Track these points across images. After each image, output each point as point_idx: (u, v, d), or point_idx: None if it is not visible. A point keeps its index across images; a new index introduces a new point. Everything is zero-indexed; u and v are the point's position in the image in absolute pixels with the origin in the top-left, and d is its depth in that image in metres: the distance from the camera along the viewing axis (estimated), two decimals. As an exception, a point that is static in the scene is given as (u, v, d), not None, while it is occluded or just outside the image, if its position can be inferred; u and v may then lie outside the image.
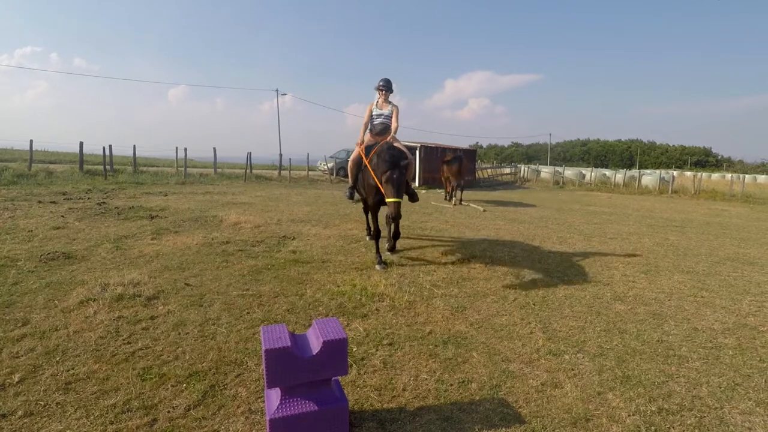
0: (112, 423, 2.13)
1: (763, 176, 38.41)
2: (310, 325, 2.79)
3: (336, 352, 2.04)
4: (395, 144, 5.36)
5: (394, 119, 5.59)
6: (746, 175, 31.56)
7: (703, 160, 72.63)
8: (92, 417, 2.17)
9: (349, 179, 5.84)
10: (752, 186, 23.80)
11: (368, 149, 5.36)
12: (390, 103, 5.64)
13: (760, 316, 3.97)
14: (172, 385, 2.48)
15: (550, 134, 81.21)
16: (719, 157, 74.67)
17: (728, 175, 31.37)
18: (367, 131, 5.73)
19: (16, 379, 2.46)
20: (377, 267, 5.04)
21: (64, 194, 10.73)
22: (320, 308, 3.75)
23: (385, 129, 5.59)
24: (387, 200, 4.66)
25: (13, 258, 4.82)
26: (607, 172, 27.85)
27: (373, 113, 5.67)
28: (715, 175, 36.24)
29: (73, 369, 2.61)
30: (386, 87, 5.62)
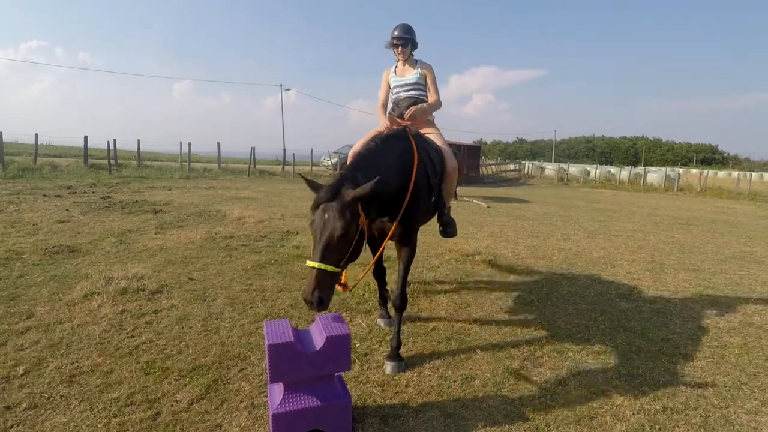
0: (115, 416, 2.14)
1: (769, 174, 38.08)
2: (313, 321, 2.78)
3: (339, 347, 2.03)
4: (425, 132, 3.37)
5: (431, 91, 3.52)
6: (753, 173, 31.26)
7: (709, 157, 72.12)
8: (96, 410, 2.18)
9: None
10: (759, 184, 23.61)
11: None
12: (417, 62, 3.56)
13: (766, 315, 3.93)
14: (175, 379, 2.48)
15: (555, 131, 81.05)
16: (725, 155, 74.14)
17: (734, 173, 31.15)
18: (388, 113, 3.61)
19: (21, 372, 2.47)
20: (388, 368, 2.73)
21: (68, 188, 10.78)
22: (323, 303, 3.74)
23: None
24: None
25: (18, 251, 4.85)
26: (612, 169, 27.70)
27: (392, 85, 3.61)
28: (722, 173, 35.99)
29: (77, 362, 2.61)
30: (405, 39, 3.44)
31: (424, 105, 3.43)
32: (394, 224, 2.74)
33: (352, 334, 3.15)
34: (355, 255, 2.29)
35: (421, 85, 3.53)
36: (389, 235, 2.83)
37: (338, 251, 2.18)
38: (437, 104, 3.54)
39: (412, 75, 3.51)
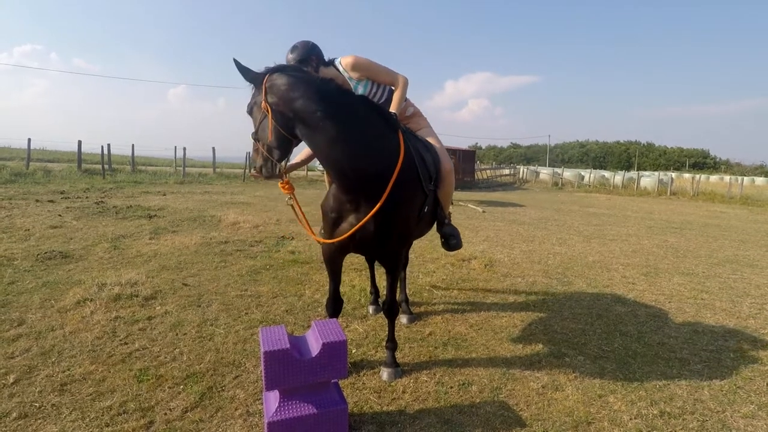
0: (107, 425, 2.10)
1: (761, 178, 38.54)
2: (309, 327, 2.76)
3: (335, 354, 2.01)
4: (417, 129, 3.00)
5: (381, 77, 2.79)
6: (744, 177, 31.62)
7: (701, 162, 72.98)
8: (88, 419, 2.14)
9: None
10: (750, 188, 23.86)
11: None
12: (343, 71, 2.75)
13: (761, 319, 3.95)
14: (169, 387, 2.45)
15: (549, 135, 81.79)
16: (717, 159, 75.03)
17: (726, 177, 31.46)
18: None
19: (11, 380, 2.43)
20: (384, 375, 2.67)
21: (61, 193, 10.68)
22: (319, 309, 3.72)
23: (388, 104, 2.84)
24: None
25: (10, 257, 4.78)
26: (606, 174, 27.91)
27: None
28: (714, 177, 36.32)
29: (68, 370, 2.57)
30: (303, 58, 2.66)
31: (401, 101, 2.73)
32: (366, 219, 2.30)
33: (348, 340, 3.13)
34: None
35: (374, 93, 2.81)
36: (353, 230, 2.34)
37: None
38: (402, 84, 2.76)
39: (358, 92, 2.76)
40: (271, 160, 2.27)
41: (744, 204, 18.20)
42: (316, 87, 2.18)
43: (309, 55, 2.68)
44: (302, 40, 2.75)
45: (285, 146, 2.27)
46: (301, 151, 2.91)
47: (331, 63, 2.78)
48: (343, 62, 2.73)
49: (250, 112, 2.33)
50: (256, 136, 2.30)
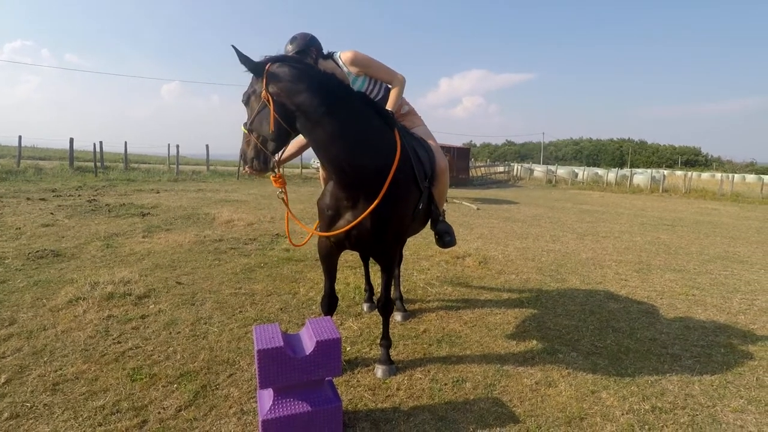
0: (100, 425, 2.09)
1: (751, 176, 38.88)
2: (303, 325, 2.76)
3: (329, 352, 2.01)
4: (411, 127, 2.95)
5: (381, 76, 2.83)
6: (735, 175, 31.94)
7: (693, 159, 73.63)
8: (80, 418, 2.13)
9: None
10: (741, 185, 24.08)
11: None
12: (340, 64, 2.74)
13: (750, 314, 4.00)
14: (162, 386, 2.44)
15: (543, 133, 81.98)
16: (709, 157, 75.69)
17: (718, 175, 31.73)
18: None
19: (2, 380, 2.41)
20: (378, 372, 2.67)
21: (53, 191, 10.57)
22: (314, 307, 3.72)
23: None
24: None
25: (1, 256, 4.73)
26: (600, 171, 28.06)
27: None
28: (705, 175, 36.64)
29: (61, 369, 2.55)
30: (302, 50, 2.62)
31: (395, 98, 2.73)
32: (364, 215, 2.31)
33: (343, 337, 3.13)
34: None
35: (371, 89, 2.82)
36: (350, 225, 2.34)
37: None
38: (399, 83, 2.78)
39: (355, 86, 2.76)
40: (264, 152, 2.22)
41: (735, 201, 18.39)
42: (320, 81, 2.18)
43: (308, 46, 2.66)
44: (301, 31, 2.71)
45: (282, 139, 2.24)
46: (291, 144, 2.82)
47: (329, 56, 2.77)
48: (343, 57, 2.73)
49: (247, 102, 2.26)
50: (251, 127, 2.22)
